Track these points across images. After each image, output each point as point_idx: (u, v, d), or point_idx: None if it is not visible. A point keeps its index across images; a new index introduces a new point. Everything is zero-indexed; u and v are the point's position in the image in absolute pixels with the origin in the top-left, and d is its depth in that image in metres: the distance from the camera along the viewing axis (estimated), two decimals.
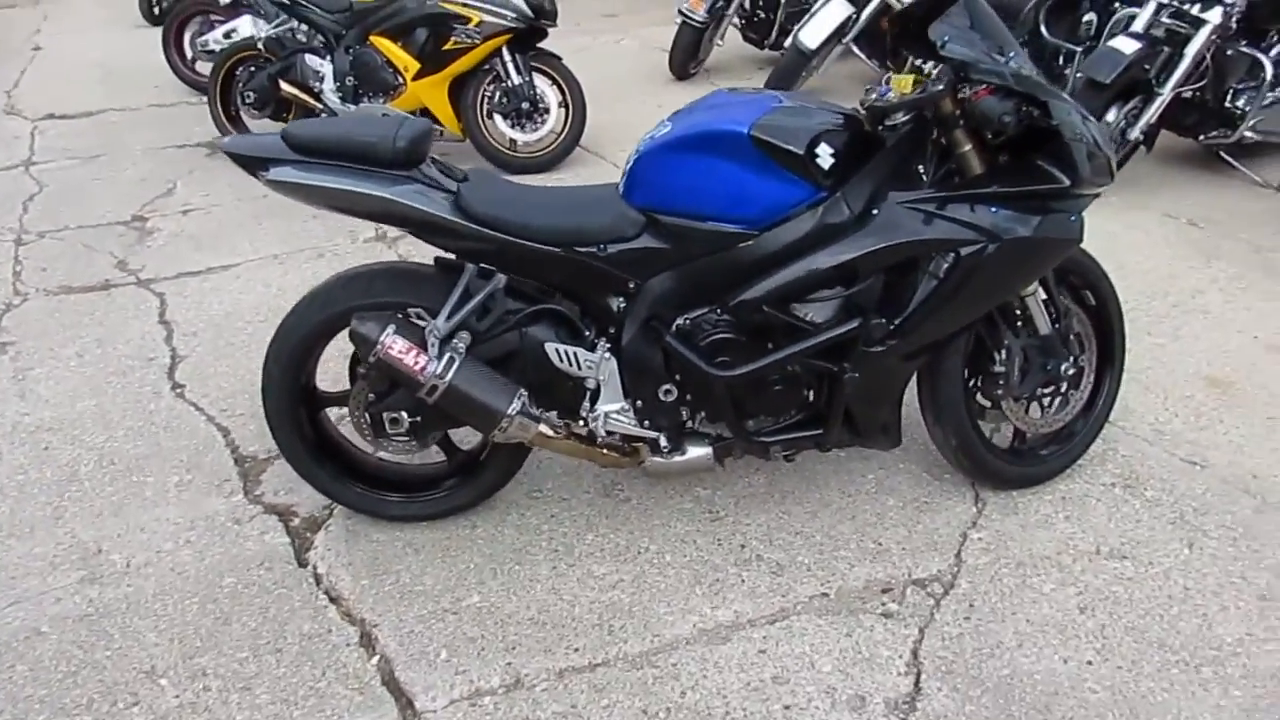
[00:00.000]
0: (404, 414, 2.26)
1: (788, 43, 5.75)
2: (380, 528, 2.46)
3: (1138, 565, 2.29)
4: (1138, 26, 4.22)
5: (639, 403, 2.26)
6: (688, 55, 6.33)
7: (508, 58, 4.64)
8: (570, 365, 2.21)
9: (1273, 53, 4.34)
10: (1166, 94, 4.17)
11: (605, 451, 2.32)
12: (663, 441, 2.30)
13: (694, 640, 2.13)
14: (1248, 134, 4.39)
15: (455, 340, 2.15)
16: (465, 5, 4.50)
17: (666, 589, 2.27)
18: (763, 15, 6.55)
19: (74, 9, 9.65)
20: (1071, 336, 2.44)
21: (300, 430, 2.36)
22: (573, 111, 4.87)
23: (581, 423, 2.29)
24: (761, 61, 6.74)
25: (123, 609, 2.25)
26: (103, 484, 2.68)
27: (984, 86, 2.04)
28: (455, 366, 2.12)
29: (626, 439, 2.32)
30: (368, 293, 2.23)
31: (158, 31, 6.58)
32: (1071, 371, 2.44)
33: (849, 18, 5.59)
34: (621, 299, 2.21)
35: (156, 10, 7.79)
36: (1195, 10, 4.13)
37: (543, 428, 2.23)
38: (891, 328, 2.15)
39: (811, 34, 5.49)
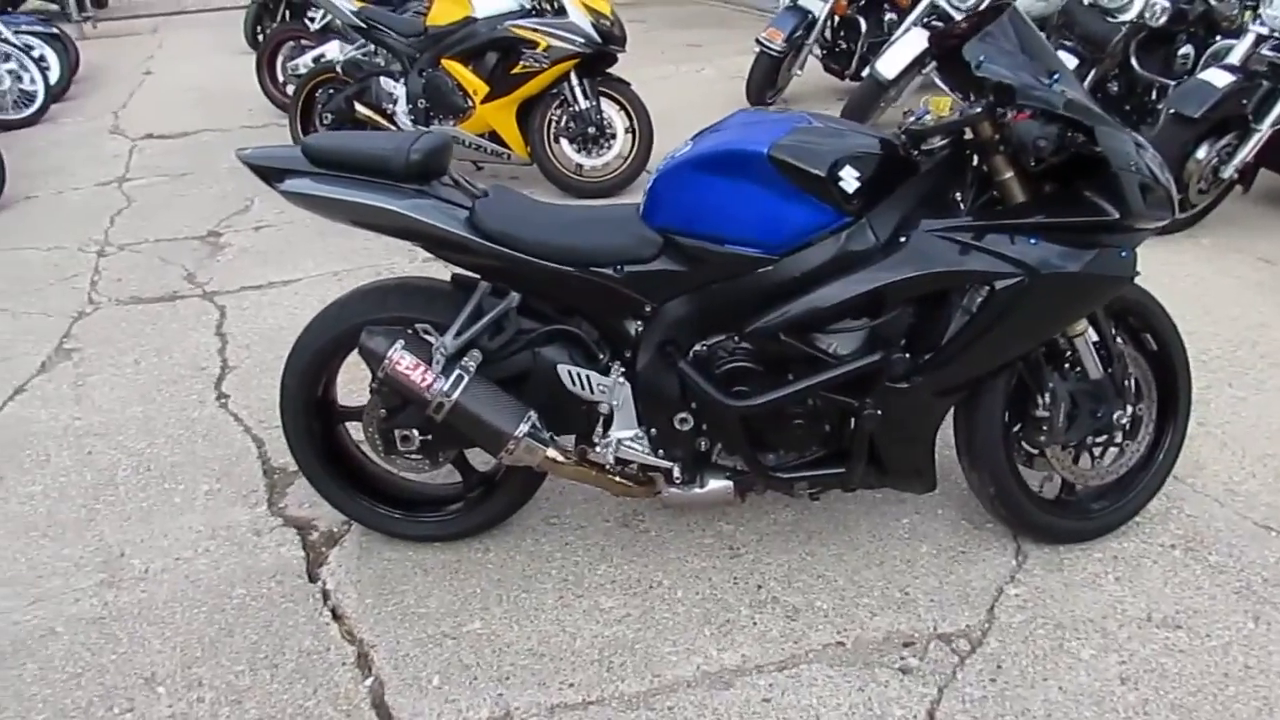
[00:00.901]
0: (415, 431, 2.22)
1: (866, 72, 5.63)
2: (393, 546, 2.43)
3: (1193, 637, 2.09)
4: (1234, 59, 3.98)
5: (653, 431, 2.18)
6: (764, 84, 6.25)
7: (575, 83, 4.66)
8: (583, 389, 2.15)
9: None
10: (1265, 130, 3.90)
11: (618, 480, 2.24)
12: (678, 472, 2.21)
13: (695, 683, 2.02)
14: None
15: (465, 359, 2.11)
16: (534, 30, 4.53)
17: (674, 627, 2.17)
18: (844, 45, 6.45)
19: (188, 36, 10.18)
20: (1127, 382, 2.25)
21: (314, 442, 2.35)
22: (639, 137, 4.84)
23: (595, 449, 2.22)
24: (840, 92, 6.61)
25: (134, 614, 2.26)
26: (136, 489, 2.72)
27: (1024, 110, 1.91)
28: (463, 385, 2.07)
29: (641, 468, 2.24)
30: (381, 307, 2.21)
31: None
32: (1126, 421, 2.25)
33: (929, 47, 5.43)
34: (637, 322, 2.14)
35: (260, 37, 8.10)
36: None
37: (553, 452, 2.17)
38: (918, 363, 2.02)
39: (889, 64, 5.36)
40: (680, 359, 2.11)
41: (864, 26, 6.22)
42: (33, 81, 6.83)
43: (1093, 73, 4.84)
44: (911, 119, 2.05)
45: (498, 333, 2.14)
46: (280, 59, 6.56)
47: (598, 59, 4.65)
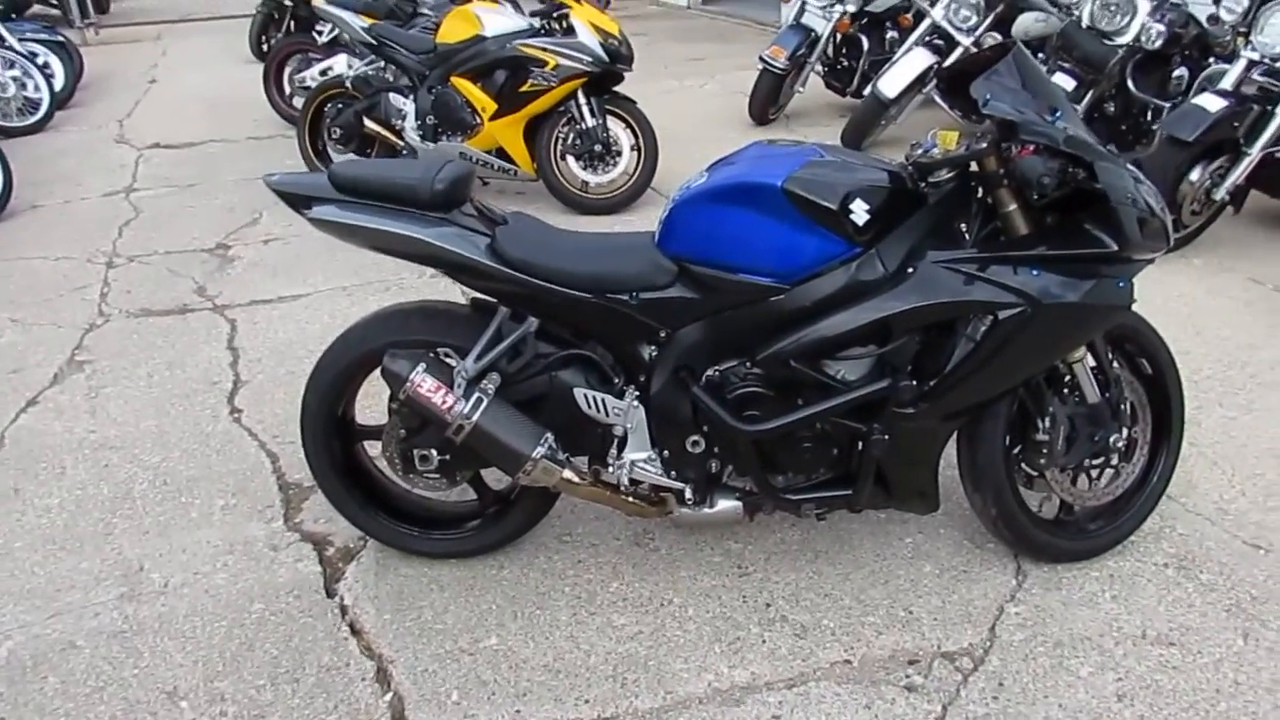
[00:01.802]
0: (433, 451, 2.28)
1: (868, 90, 5.71)
2: (409, 562, 2.49)
3: (1186, 654, 2.16)
4: (1226, 83, 4.07)
5: (666, 453, 2.25)
6: (767, 101, 6.34)
7: (582, 101, 4.73)
8: (598, 412, 2.21)
9: None
10: (1255, 154, 3.99)
11: (631, 500, 2.30)
12: (689, 493, 2.27)
13: (707, 700, 2.08)
14: None
15: (485, 381, 2.17)
16: (543, 49, 4.59)
17: (685, 644, 2.23)
18: (846, 63, 6.54)
19: (191, 43, 10.23)
20: (1124, 406, 2.33)
21: (334, 461, 2.40)
22: (644, 154, 4.91)
23: (609, 470, 2.28)
24: (843, 109, 6.70)
25: (155, 628, 2.31)
26: (153, 503, 2.77)
27: (1028, 145, 1.98)
28: (482, 407, 2.13)
29: (654, 489, 2.30)
30: (403, 330, 2.27)
31: (262, 67, 6.91)
32: (1122, 443, 2.33)
33: (930, 67, 5.53)
34: (652, 347, 2.21)
35: (265, 47, 8.16)
36: None
37: (568, 473, 2.23)
38: (923, 390, 2.09)
39: (891, 83, 5.45)
40: (693, 384, 2.17)
41: (866, 45, 6.31)
42: (37, 89, 6.89)
43: (1090, 94, 4.93)
44: (919, 151, 2.11)
45: (516, 356, 2.20)
46: (287, 71, 6.61)
47: (605, 77, 4.72)
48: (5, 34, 6.93)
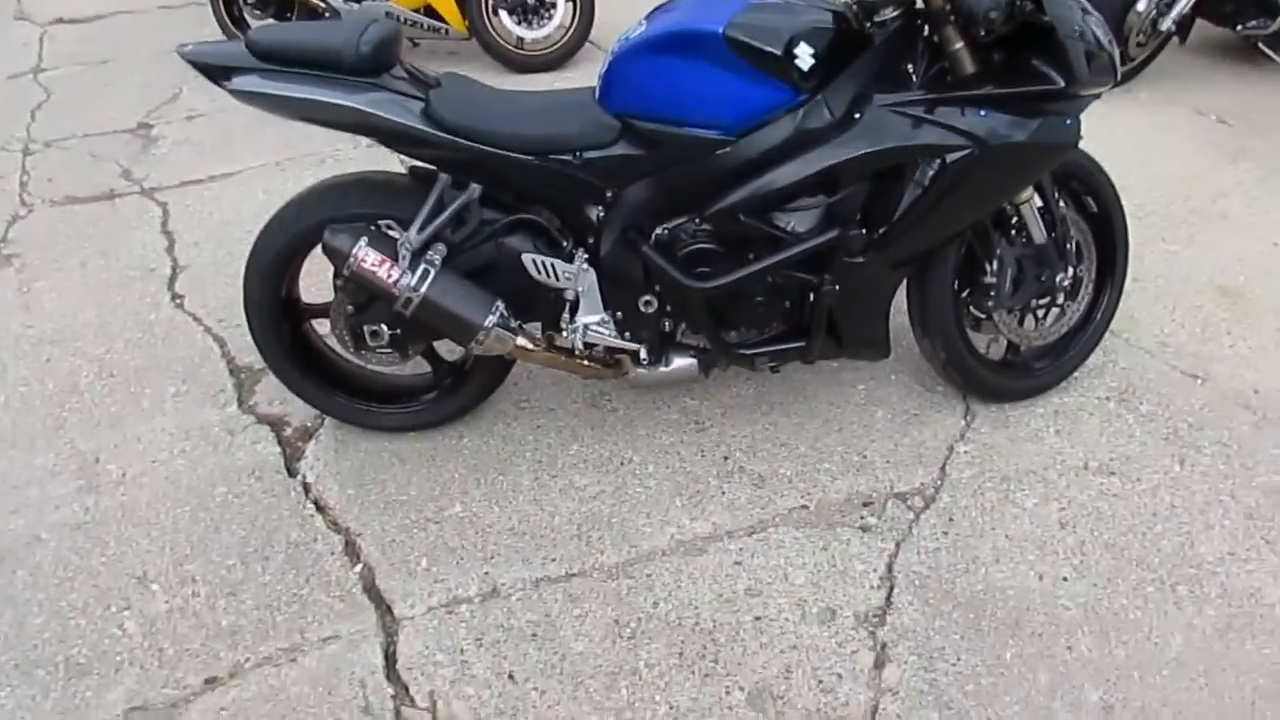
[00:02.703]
0: (383, 326, 2.25)
1: None
2: (369, 438, 2.49)
3: (1125, 481, 2.26)
4: None
5: (619, 314, 2.24)
6: None
7: None
8: (548, 276, 2.18)
9: None
10: None
11: (586, 363, 2.31)
12: (644, 353, 2.28)
13: (670, 552, 2.14)
14: None
15: (430, 252, 2.12)
16: None
17: (646, 500, 2.28)
18: None
19: None
20: (1069, 245, 2.35)
21: (283, 342, 2.37)
22: (580, 8, 4.71)
23: (562, 335, 2.27)
24: None
25: (118, 517, 2.30)
26: (102, 395, 2.72)
27: None
28: (430, 279, 2.09)
29: (608, 351, 2.30)
30: (341, 205, 2.20)
31: None
32: (1068, 282, 2.36)
33: None
34: (599, 208, 2.17)
35: None
36: None
37: (521, 340, 2.21)
38: (873, 238, 2.09)
39: None
40: (643, 243, 2.15)
41: None
42: None
43: None
44: None
45: (460, 225, 2.15)
46: None
47: None
48: None
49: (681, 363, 2.30)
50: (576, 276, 2.19)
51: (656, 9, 2.16)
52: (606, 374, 2.34)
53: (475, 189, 2.15)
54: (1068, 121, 2.07)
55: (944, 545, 2.12)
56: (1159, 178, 3.53)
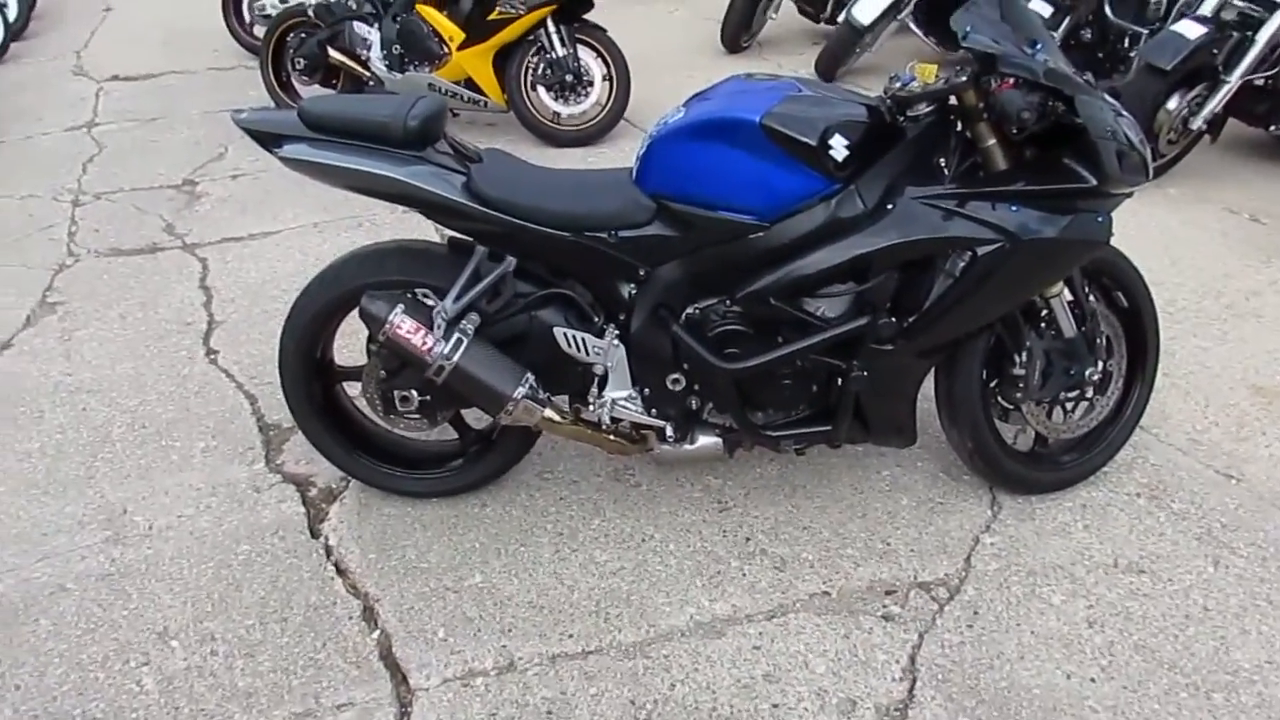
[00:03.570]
0: (414, 392, 2.28)
1: (841, 17, 5.61)
2: (392, 502, 2.50)
3: (1156, 581, 2.22)
4: (1205, 10, 4.03)
5: (646, 391, 2.25)
6: (739, 28, 6.22)
7: (552, 29, 4.62)
8: (579, 350, 2.21)
9: None
10: (1234, 81, 3.98)
11: (612, 438, 2.32)
12: (670, 430, 2.29)
13: (689, 632, 2.12)
14: None
15: (464, 321, 2.16)
16: None
17: (667, 578, 2.26)
18: None
19: None
20: (1099, 339, 2.35)
21: (314, 404, 2.40)
22: (617, 85, 4.82)
23: (589, 409, 2.29)
24: (815, 35, 6.59)
25: (142, 570, 2.32)
26: (133, 446, 2.76)
27: (1008, 79, 1.96)
28: (462, 348, 2.12)
29: (634, 426, 2.31)
30: (379, 271, 2.25)
31: None
32: (1097, 376, 2.36)
33: None
34: (631, 286, 2.20)
35: None
36: None
37: (549, 412, 2.23)
38: (902, 327, 2.10)
39: (866, 9, 5.35)
40: (673, 322, 2.17)
41: None
42: None
43: (1067, 20, 4.87)
44: (897, 85, 2.09)
45: (495, 296, 2.19)
46: None
47: (575, 4, 4.60)
48: None
49: (706, 441, 2.31)
50: (606, 352, 2.21)
51: (695, 96, 2.21)
52: (632, 449, 2.34)
53: (511, 261, 2.19)
54: (1099, 218, 2.09)
55: (968, 639, 2.08)
56: (1190, 274, 3.54)
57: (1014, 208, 2.03)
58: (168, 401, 2.96)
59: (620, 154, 4.82)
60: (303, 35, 5.03)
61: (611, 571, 2.28)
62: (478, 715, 1.94)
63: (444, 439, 2.55)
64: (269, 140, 2.12)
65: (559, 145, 4.85)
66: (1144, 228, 3.85)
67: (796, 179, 2.04)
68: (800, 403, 2.25)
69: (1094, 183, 2.01)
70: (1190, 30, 3.90)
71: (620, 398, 2.26)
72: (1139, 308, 2.44)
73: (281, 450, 2.72)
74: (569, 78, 4.71)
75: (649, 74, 5.34)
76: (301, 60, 4.99)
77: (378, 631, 2.14)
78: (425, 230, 3.75)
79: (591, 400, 2.27)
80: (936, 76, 2.04)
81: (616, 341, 2.21)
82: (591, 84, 4.80)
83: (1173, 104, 4.02)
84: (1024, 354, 2.25)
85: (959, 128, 2.08)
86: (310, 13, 4.99)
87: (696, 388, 2.24)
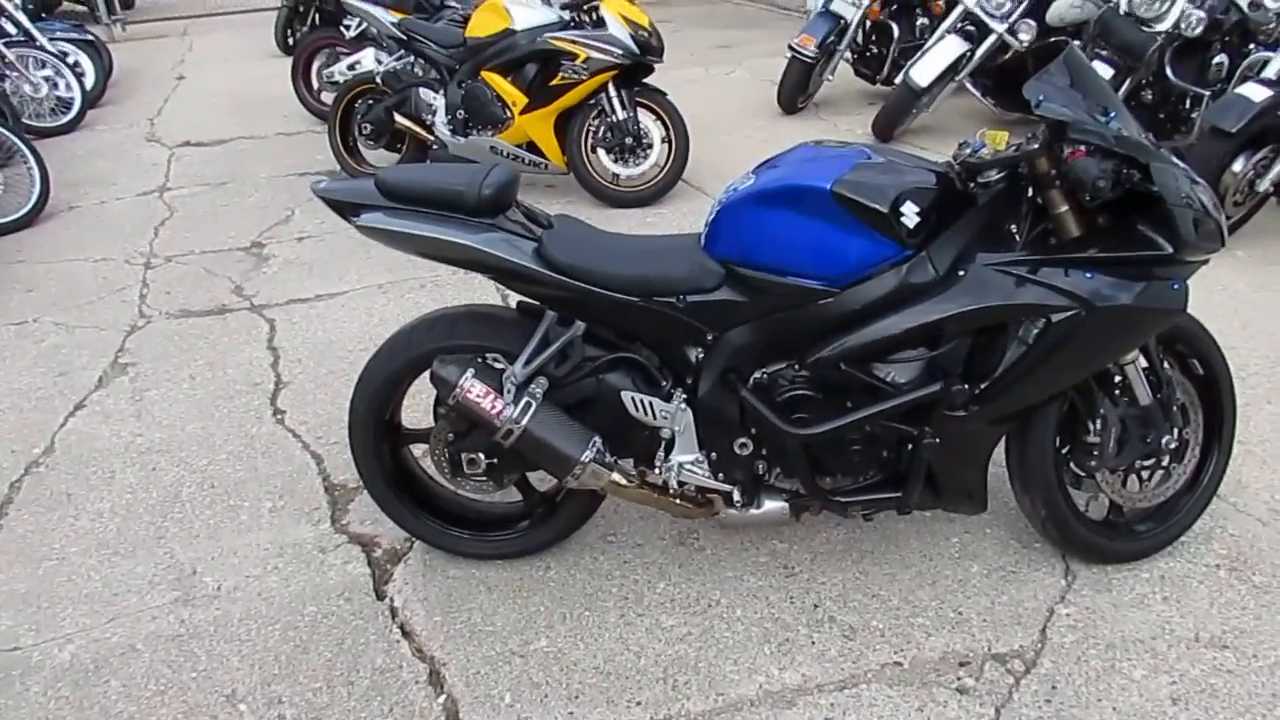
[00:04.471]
0: (481, 455, 2.30)
1: (899, 79, 5.66)
2: (457, 564, 2.51)
3: (1240, 657, 2.14)
4: (1270, 72, 4.01)
5: (713, 455, 2.25)
6: (796, 90, 6.30)
7: (613, 93, 4.72)
8: (646, 414, 2.21)
9: None
10: None
11: (679, 502, 2.31)
12: (737, 495, 2.28)
13: (758, 702, 2.09)
14: None
15: (533, 385, 2.18)
16: (574, 42, 4.59)
17: (734, 645, 2.23)
18: (875, 50, 6.48)
19: (217, 38, 10.28)
20: (1175, 407, 2.30)
21: (383, 465, 2.42)
22: (675, 147, 4.90)
23: (656, 472, 2.29)
24: (872, 96, 6.65)
25: (211, 631, 2.34)
26: (202, 507, 2.80)
27: (1081, 146, 1.96)
28: (531, 411, 2.14)
29: (701, 490, 2.30)
30: (450, 335, 2.28)
31: (289, 62, 6.94)
32: (1173, 445, 2.31)
33: (962, 55, 5.48)
34: (699, 350, 2.21)
35: (290, 41, 8.19)
36: None
37: (616, 476, 2.24)
38: (975, 393, 2.08)
39: (923, 71, 5.40)
40: (741, 386, 2.17)
41: (896, 32, 6.25)
42: (69, 88, 6.93)
43: (1128, 82, 4.86)
44: (967, 151, 2.10)
45: (563, 360, 2.21)
46: (315, 66, 6.64)
47: (636, 69, 4.70)
48: (36, 34, 6.98)
49: (773, 506, 2.30)
50: (674, 416, 2.22)
51: (764, 163, 2.24)
52: (698, 513, 2.33)
53: (580, 326, 2.21)
54: (1175, 286, 2.06)
55: (1047, 714, 2.02)
56: (1261, 339, 3.46)
57: (1088, 275, 2.01)
58: (236, 461, 3.01)
59: (678, 214, 4.87)
60: (370, 101, 5.19)
61: (678, 637, 2.26)
62: None
63: (509, 501, 2.56)
64: (347, 210, 2.17)
65: (618, 206, 4.93)
66: (1212, 292, 3.78)
67: (867, 245, 2.05)
68: (870, 468, 2.23)
69: (1170, 250, 1.99)
70: (1256, 93, 3.87)
71: (687, 461, 2.25)
72: (1215, 375, 2.39)
73: (347, 510, 2.75)
74: (629, 140, 4.80)
75: (708, 135, 5.43)
76: (368, 125, 5.14)
77: (444, 696, 2.14)
78: (488, 292, 3.84)
79: (658, 464, 2.27)
80: (1008, 144, 2.04)
81: (684, 405, 2.22)
82: (651, 146, 4.89)
83: (1238, 166, 3.97)
84: (1098, 421, 2.21)
85: (1030, 194, 2.07)
86: (378, 80, 5.16)
87: (764, 452, 2.23)
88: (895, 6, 6.28)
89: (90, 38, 7.68)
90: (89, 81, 7.33)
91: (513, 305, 2.39)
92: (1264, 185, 4.01)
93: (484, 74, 4.82)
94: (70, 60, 7.18)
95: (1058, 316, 2.01)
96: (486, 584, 2.44)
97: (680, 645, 2.24)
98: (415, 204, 2.15)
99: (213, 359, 3.65)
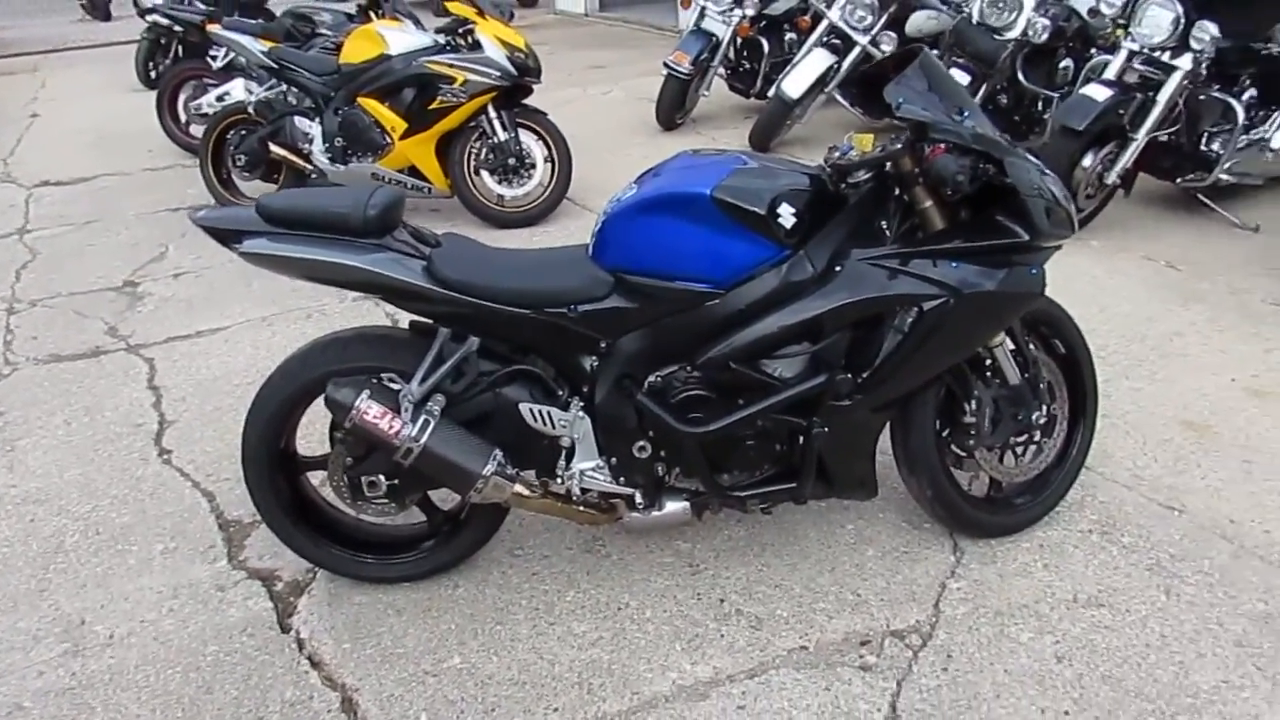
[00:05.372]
0: (381, 477, 2.28)
1: (771, 92, 5.85)
2: (362, 590, 2.47)
3: (1115, 613, 2.30)
4: (1110, 74, 4.31)
5: (614, 460, 2.29)
6: (674, 106, 6.44)
7: (493, 115, 4.74)
8: (544, 424, 2.24)
9: (1244, 97, 4.42)
10: (1141, 139, 4.25)
11: (582, 509, 2.34)
12: (639, 498, 2.32)
13: (673, 697, 2.13)
14: (1223, 176, 4.46)
15: (430, 403, 2.18)
16: (451, 65, 4.59)
17: (646, 645, 2.27)
18: (747, 65, 6.67)
19: (72, 74, 9.84)
20: (1042, 385, 2.46)
21: (280, 495, 2.38)
22: (558, 166, 4.95)
23: (558, 481, 2.31)
24: (747, 110, 6.84)
25: (105, 681, 2.25)
26: (88, 554, 2.69)
27: (941, 145, 2.09)
28: (430, 429, 2.14)
29: (603, 496, 2.34)
30: (343, 358, 2.26)
31: (152, 95, 6.71)
32: (1043, 420, 2.46)
33: (830, 67, 5.71)
34: (593, 358, 2.25)
35: (152, 75, 7.91)
36: (1166, 57, 4.22)
37: (519, 487, 2.26)
38: (858, 382, 2.18)
39: (794, 83, 5.60)
40: (636, 390, 2.23)
41: (767, 47, 6.45)
42: None
43: (984, 87, 5.16)
44: (837, 154, 2.20)
45: (460, 376, 2.22)
46: (181, 98, 6.45)
47: (514, 90, 4.74)
48: None
49: (675, 506, 2.35)
50: (572, 424, 2.25)
51: (646, 172, 2.31)
52: (602, 519, 2.37)
53: (474, 342, 2.23)
54: (1033, 271, 2.22)
55: (944, 682, 2.13)
56: (1117, 319, 3.71)
57: (954, 265, 2.14)
58: (121, 505, 2.90)
59: (564, 232, 4.92)
60: (243, 132, 5.07)
61: (591, 642, 2.29)
62: None
63: (412, 522, 2.54)
64: (229, 237, 2.14)
65: (504, 227, 4.94)
66: (1071, 279, 4.03)
67: (748, 247, 2.13)
68: (764, 462, 2.31)
69: (1026, 237, 2.14)
70: (1098, 93, 4.17)
71: (588, 468, 2.29)
72: (1076, 353, 2.56)
73: (244, 546, 2.68)
74: (511, 161, 4.82)
75: (590, 154, 5.49)
76: (243, 157, 5.02)
77: None
78: (376, 319, 3.79)
79: (560, 473, 2.30)
80: (874, 145, 2.16)
81: (581, 413, 2.26)
82: (534, 166, 4.92)
83: (1087, 161, 4.27)
84: (973, 402, 2.35)
85: (897, 192, 2.19)
86: (250, 110, 5.04)
87: (663, 453, 2.29)
88: (764, 23, 6.48)
89: None
90: None
91: (404, 327, 2.38)
92: (1111, 177, 4.31)
93: (361, 100, 4.77)
94: None
95: (929, 305, 2.13)
96: (395, 607, 2.42)
97: (593, 650, 2.27)
98: (300, 228, 2.13)
99: (89, 403, 3.50)
